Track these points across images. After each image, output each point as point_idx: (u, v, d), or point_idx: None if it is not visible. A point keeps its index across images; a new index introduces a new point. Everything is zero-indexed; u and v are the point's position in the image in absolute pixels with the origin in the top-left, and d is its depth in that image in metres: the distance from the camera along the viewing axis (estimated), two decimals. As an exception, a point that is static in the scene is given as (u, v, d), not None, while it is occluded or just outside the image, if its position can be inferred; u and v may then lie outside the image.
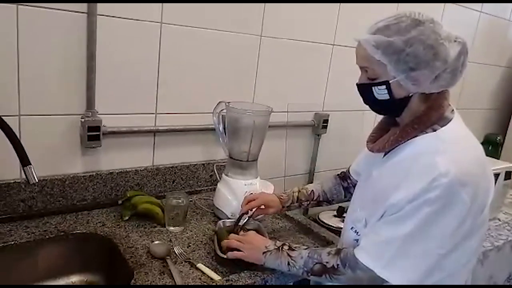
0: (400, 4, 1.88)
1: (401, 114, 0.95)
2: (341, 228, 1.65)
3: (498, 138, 2.55)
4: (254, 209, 1.22)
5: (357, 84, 0.97)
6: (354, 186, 1.18)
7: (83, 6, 1.16)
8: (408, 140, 0.92)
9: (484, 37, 2.42)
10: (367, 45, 0.88)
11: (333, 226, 1.63)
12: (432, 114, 0.90)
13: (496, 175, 1.85)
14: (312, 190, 1.27)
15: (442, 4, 2.09)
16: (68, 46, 1.17)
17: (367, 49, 0.88)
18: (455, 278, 0.90)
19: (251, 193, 1.29)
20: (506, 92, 2.79)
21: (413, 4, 1.89)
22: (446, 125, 0.90)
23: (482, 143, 2.60)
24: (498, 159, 2.34)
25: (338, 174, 1.32)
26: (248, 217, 1.22)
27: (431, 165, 0.83)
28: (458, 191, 0.81)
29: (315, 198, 1.27)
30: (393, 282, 0.85)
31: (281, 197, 1.26)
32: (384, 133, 1.01)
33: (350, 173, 1.26)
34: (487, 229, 1.78)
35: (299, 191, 1.27)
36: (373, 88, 0.91)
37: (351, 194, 1.19)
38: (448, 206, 0.81)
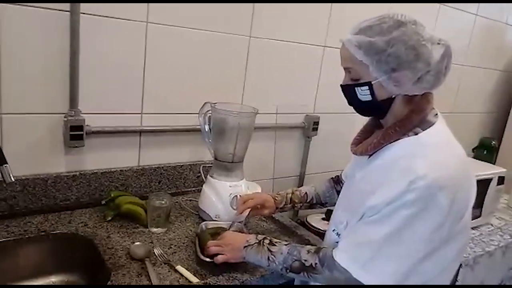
0: (393, 4, 1.87)
1: (385, 116, 0.95)
2: (329, 231, 1.64)
3: (493, 142, 2.53)
4: (249, 210, 1.23)
5: (341, 85, 0.97)
6: None
7: (66, 4, 1.15)
8: (390, 143, 0.91)
9: (480, 40, 2.40)
10: (349, 46, 0.88)
11: (320, 229, 1.61)
12: (414, 117, 0.90)
13: (489, 180, 1.83)
14: (306, 192, 1.27)
15: (437, 6, 2.08)
16: (50, 45, 1.16)
17: (350, 49, 0.88)
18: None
19: (237, 196, 1.29)
20: (503, 96, 2.77)
21: (407, 5, 1.88)
22: (428, 128, 0.90)
23: (477, 147, 2.58)
24: (494, 163, 2.32)
25: (332, 178, 1.31)
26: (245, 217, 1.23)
27: (410, 168, 0.82)
28: (436, 194, 0.80)
29: (308, 200, 1.27)
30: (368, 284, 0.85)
31: (276, 198, 1.26)
32: (368, 136, 1.02)
33: (342, 177, 1.26)
34: (472, 237, 1.76)
35: (292, 193, 1.28)
36: (356, 89, 0.92)
37: None
38: (425, 209, 0.81)
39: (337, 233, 1.01)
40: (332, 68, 1.80)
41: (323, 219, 1.71)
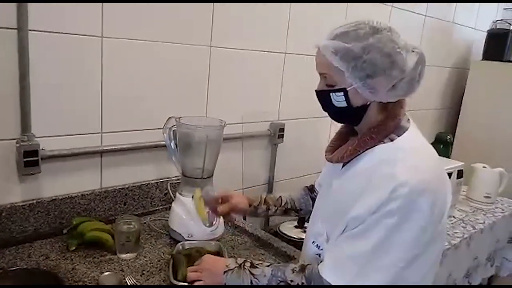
0: (348, 5, 1.90)
1: (359, 123, 0.94)
2: (303, 239, 1.63)
3: (449, 137, 2.64)
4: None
5: (316, 91, 0.95)
6: None
7: (12, 22, 1.06)
8: (366, 150, 0.91)
9: (430, 39, 2.50)
10: (325, 51, 0.86)
11: (294, 238, 1.60)
12: (388, 123, 0.90)
13: (449, 174, 1.89)
14: (280, 196, 1.24)
15: (389, 9, 2.13)
16: (-4, 65, 1.07)
17: (326, 55, 0.87)
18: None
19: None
20: (454, 92, 2.90)
21: (362, 8, 1.92)
22: (402, 134, 0.90)
23: (434, 143, 2.68)
24: (449, 157, 2.42)
25: (306, 186, 1.29)
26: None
27: (390, 176, 0.82)
28: (417, 200, 0.80)
29: (282, 204, 1.24)
30: None
31: (249, 197, 1.22)
32: (343, 143, 1.00)
33: (316, 187, 1.24)
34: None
35: (266, 196, 1.24)
36: (331, 94, 0.90)
37: None
38: (409, 216, 0.80)
39: (317, 245, 0.99)
40: (293, 74, 1.80)
41: (296, 227, 1.69)
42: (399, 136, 0.89)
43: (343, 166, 0.97)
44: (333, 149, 1.01)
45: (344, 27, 0.87)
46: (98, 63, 1.24)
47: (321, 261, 0.95)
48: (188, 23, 1.41)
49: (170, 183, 1.46)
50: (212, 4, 1.45)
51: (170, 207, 1.33)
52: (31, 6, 1.08)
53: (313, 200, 1.25)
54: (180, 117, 1.26)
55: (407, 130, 0.91)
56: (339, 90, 0.89)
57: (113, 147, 1.33)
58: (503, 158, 2.39)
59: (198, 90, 1.52)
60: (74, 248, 1.17)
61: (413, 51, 0.87)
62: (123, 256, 1.16)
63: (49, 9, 1.12)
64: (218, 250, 1.18)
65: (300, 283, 0.89)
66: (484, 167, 2.08)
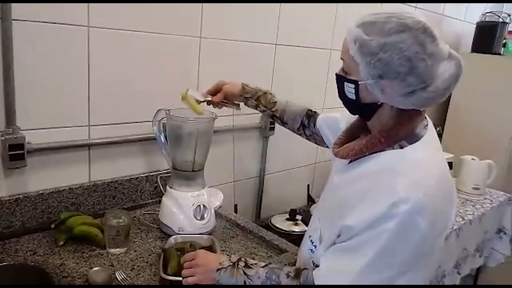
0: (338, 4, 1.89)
1: (370, 119, 0.89)
2: (294, 232, 1.63)
3: (438, 129, 2.65)
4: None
5: (335, 74, 0.90)
6: (312, 133, 1.20)
7: (-5, 11, 1.03)
8: (373, 153, 0.86)
9: (420, 32, 2.49)
10: (348, 36, 0.81)
11: (285, 230, 1.59)
12: (401, 129, 0.84)
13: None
14: (276, 102, 1.22)
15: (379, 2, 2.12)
16: (-21, 56, 1.04)
17: (347, 41, 0.82)
18: None
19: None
20: (443, 84, 2.91)
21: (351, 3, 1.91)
22: (414, 142, 0.84)
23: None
24: (439, 149, 2.43)
25: (310, 109, 1.23)
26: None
27: (392, 188, 0.78)
28: (416, 218, 0.76)
29: (273, 109, 1.22)
30: None
31: (246, 87, 1.22)
32: (352, 139, 0.95)
33: (318, 122, 1.19)
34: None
35: (264, 93, 1.23)
36: (344, 83, 0.86)
37: (306, 135, 1.22)
38: (406, 236, 0.77)
39: (311, 240, 0.97)
40: (284, 66, 1.78)
41: (287, 219, 1.69)
42: (410, 144, 0.83)
43: (348, 163, 0.93)
44: (342, 143, 0.96)
45: (374, 16, 0.80)
46: (84, 54, 1.21)
47: (313, 261, 0.94)
48: (177, 14, 1.38)
49: (160, 177, 1.44)
50: (202, -6, 1.43)
51: (160, 201, 1.32)
52: (14, -5, 1.05)
53: (302, 125, 1.22)
54: (170, 109, 1.24)
55: (420, 138, 0.84)
56: (351, 82, 0.84)
57: (101, 140, 1.30)
58: (492, 150, 2.41)
59: (188, 82, 1.49)
60: (62, 243, 1.15)
61: (448, 61, 0.80)
62: (113, 250, 1.14)
63: (33, -3, 1.08)
64: (211, 244, 1.16)
65: None
66: (473, 159, 2.10)
